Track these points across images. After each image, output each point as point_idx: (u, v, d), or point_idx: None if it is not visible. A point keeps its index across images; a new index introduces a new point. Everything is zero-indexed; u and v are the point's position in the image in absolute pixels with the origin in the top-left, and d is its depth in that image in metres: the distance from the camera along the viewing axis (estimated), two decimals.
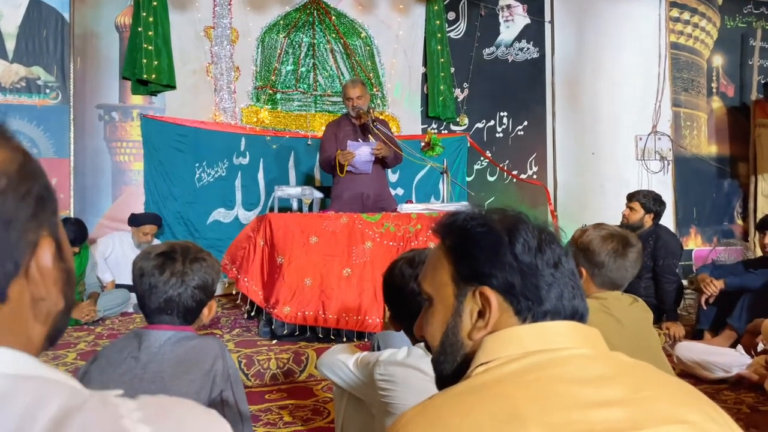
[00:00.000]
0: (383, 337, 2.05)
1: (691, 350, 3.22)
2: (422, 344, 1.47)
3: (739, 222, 6.61)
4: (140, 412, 0.52)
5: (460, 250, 0.85)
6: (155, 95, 5.32)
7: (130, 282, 4.57)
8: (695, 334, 3.76)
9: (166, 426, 0.53)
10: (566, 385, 0.67)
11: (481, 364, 0.74)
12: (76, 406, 0.49)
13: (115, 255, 4.76)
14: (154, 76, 5.09)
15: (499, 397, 0.66)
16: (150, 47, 5.08)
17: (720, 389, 3.04)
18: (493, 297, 0.79)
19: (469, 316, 0.81)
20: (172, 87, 5.28)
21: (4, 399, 0.47)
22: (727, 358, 3.10)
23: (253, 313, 3.97)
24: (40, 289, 0.57)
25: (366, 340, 3.53)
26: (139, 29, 5.07)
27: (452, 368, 0.83)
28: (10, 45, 4.87)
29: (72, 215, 4.72)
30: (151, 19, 5.10)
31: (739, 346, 2.94)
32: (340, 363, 1.64)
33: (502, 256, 0.80)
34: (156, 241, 4.88)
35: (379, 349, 1.96)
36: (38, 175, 0.58)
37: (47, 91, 4.92)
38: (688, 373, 3.18)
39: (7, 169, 0.54)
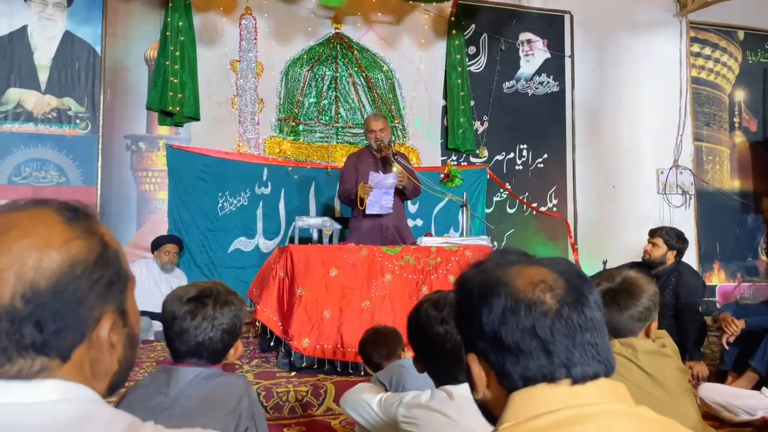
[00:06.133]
0: (383, 374, 2.05)
1: (714, 392, 3.16)
2: (447, 387, 1.48)
3: (764, 258, 6.51)
4: None
5: (456, 311, 0.88)
6: (181, 126, 5.43)
7: (152, 309, 4.66)
8: (719, 374, 3.70)
9: None
10: None
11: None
12: (138, 426, 0.68)
13: (143, 281, 4.83)
14: (178, 108, 5.21)
15: None
16: (176, 80, 5.20)
17: None
18: (475, 364, 0.82)
19: (476, 375, 0.82)
20: (196, 119, 5.40)
21: (90, 417, 0.65)
22: (751, 400, 3.04)
23: (272, 344, 3.98)
24: (96, 354, 0.70)
25: None
26: (167, 63, 5.20)
27: (486, 414, 0.85)
28: (43, 76, 5.03)
29: None
30: (178, 53, 5.23)
31: (764, 389, 2.89)
32: (364, 403, 1.65)
33: (474, 323, 0.81)
34: (182, 276, 4.94)
35: (383, 385, 1.97)
36: (112, 262, 0.72)
37: (77, 121, 5.06)
38: (711, 415, 3.12)
39: (87, 257, 0.68)
